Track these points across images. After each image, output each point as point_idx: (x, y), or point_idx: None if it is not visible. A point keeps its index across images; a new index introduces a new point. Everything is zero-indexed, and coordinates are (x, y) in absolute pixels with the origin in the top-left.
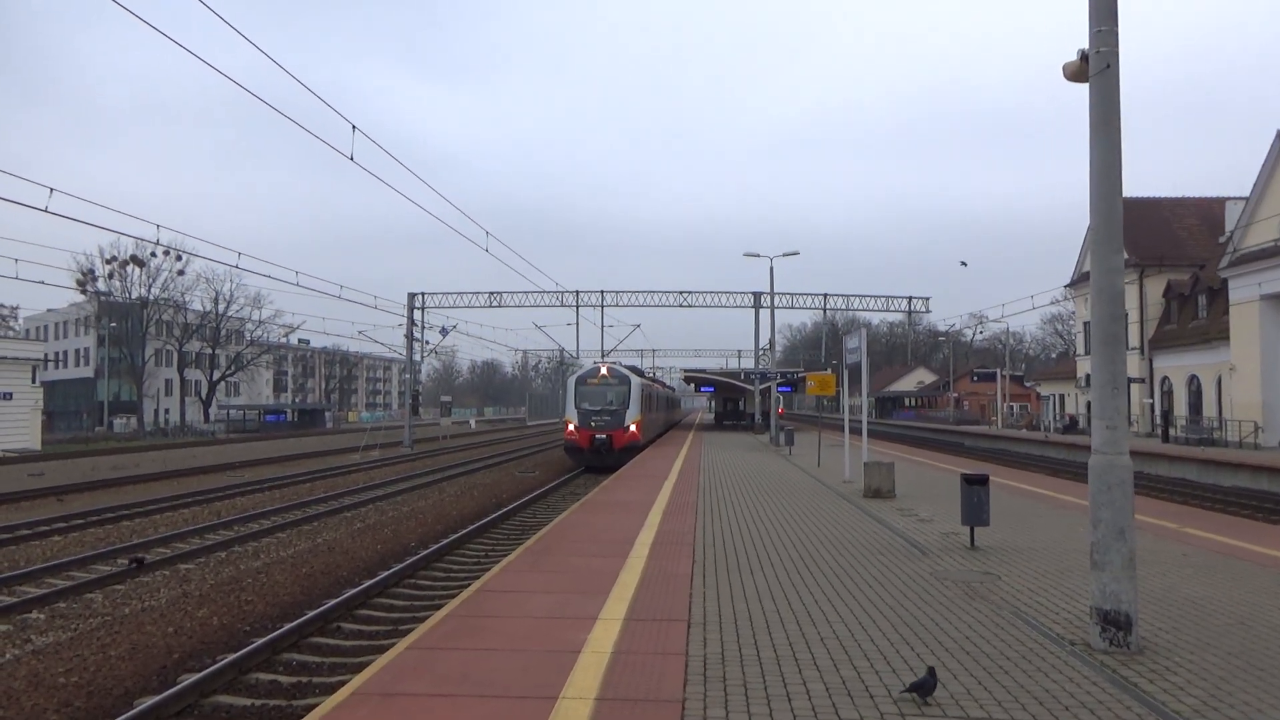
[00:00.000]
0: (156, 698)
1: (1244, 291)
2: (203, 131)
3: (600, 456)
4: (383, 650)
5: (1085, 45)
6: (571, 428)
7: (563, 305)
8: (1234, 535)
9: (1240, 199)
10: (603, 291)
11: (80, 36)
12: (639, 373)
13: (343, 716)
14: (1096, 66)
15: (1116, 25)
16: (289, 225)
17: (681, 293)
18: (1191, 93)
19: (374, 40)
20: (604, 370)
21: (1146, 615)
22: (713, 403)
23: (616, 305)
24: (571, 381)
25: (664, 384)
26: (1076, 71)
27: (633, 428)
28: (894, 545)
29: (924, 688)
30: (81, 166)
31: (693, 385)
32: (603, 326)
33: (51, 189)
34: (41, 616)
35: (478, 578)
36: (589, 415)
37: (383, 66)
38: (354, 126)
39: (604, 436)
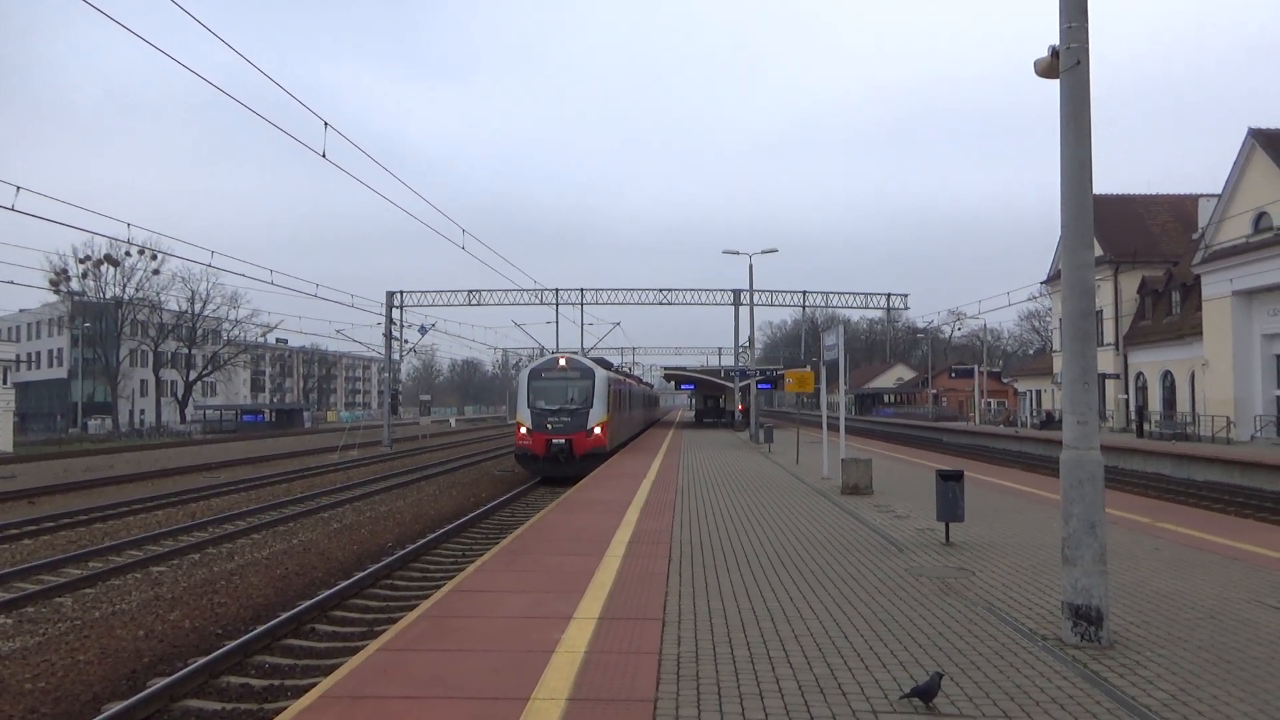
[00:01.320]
0: (124, 703)
1: (1216, 287)
2: (180, 129)
3: (558, 465)
4: (357, 652)
5: (1056, 42)
6: (524, 430)
7: (542, 304)
8: (1206, 529)
9: (1213, 196)
10: (582, 289)
11: (53, 34)
12: (607, 366)
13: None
14: (1067, 62)
15: (1087, 21)
16: (268, 224)
17: (661, 290)
18: (1191, 88)
19: (358, 41)
20: (563, 362)
21: (1118, 609)
22: (693, 400)
23: (596, 303)
24: (524, 376)
25: (640, 380)
26: (1048, 68)
27: (597, 430)
28: (870, 542)
29: (928, 693)
30: (56, 165)
31: (673, 383)
32: (582, 324)
33: (19, 187)
34: (9, 621)
35: (453, 578)
36: (544, 416)
37: (366, 67)
38: (326, 123)
39: (562, 441)
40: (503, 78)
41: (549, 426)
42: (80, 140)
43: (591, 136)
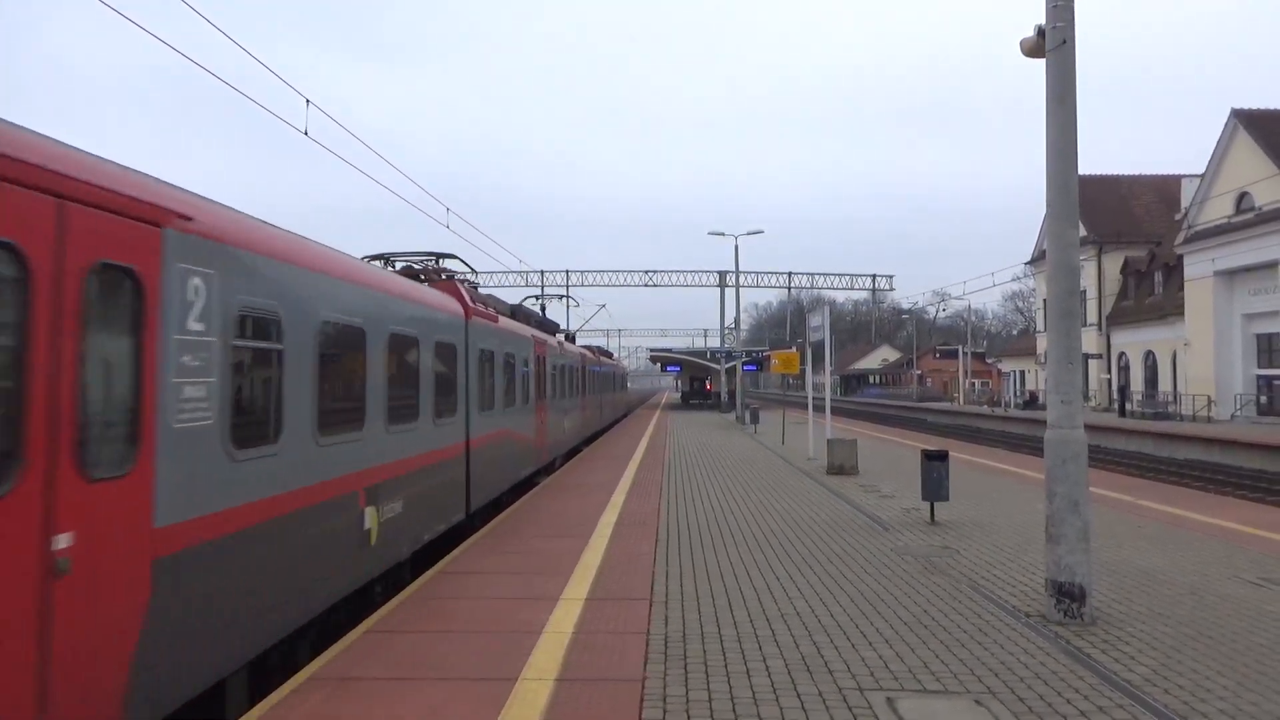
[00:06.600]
0: None
1: (1198, 268)
2: (146, 111)
3: None
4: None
5: (1043, 21)
6: None
7: (528, 285)
8: (1186, 507)
9: (1196, 177)
10: (568, 271)
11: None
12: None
13: (297, 701)
14: (1053, 42)
15: (1072, 1)
16: (247, 205)
17: (648, 272)
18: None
19: (305, 21)
20: None
21: (1101, 586)
22: (679, 382)
23: (582, 285)
24: None
25: (554, 335)
26: (1034, 47)
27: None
28: (855, 521)
29: None
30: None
31: (659, 365)
32: (568, 305)
33: None
34: None
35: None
36: None
37: (336, 51)
38: (308, 101)
39: None
40: (481, 62)
41: None
42: (48, 122)
43: (571, 120)
